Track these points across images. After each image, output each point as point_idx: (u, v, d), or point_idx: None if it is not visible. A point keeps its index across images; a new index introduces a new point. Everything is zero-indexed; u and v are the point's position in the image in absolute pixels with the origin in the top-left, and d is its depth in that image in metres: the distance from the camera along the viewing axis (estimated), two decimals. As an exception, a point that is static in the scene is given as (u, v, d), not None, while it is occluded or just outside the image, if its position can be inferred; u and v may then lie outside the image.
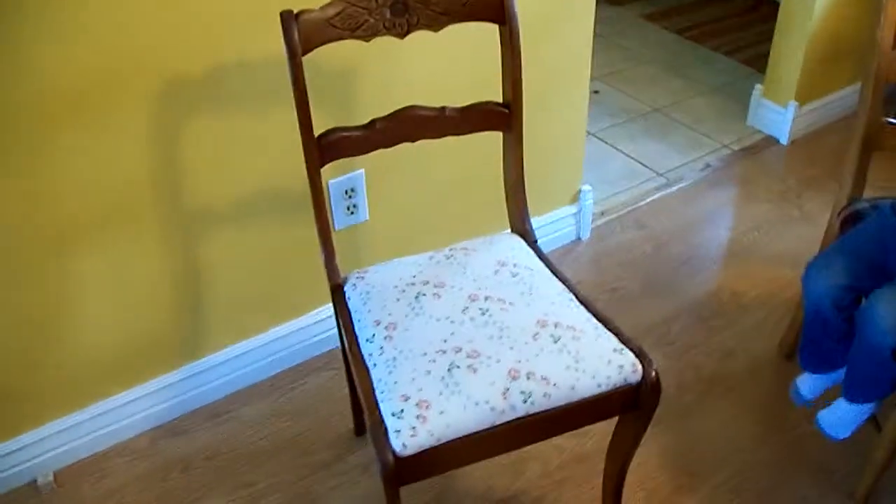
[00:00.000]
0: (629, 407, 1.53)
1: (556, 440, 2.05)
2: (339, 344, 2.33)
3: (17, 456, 1.99)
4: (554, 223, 2.64)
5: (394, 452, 1.38)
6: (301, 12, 1.53)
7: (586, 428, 2.04)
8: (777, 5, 3.16)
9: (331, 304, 2.27)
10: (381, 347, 1.54)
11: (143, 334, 2.04)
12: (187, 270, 2.03)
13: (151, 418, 2.15)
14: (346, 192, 2.13)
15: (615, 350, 1.52)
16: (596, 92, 3.60)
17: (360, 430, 2.11)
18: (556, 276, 1.70)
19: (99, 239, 1.86)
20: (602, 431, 2.05)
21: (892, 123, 1.93)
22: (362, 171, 2.13)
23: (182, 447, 2.11)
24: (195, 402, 2.21)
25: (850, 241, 1.88)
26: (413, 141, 1.72)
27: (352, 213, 2.17)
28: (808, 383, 1.97)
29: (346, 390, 2.21)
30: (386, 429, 1.41)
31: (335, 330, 2.31)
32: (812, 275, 1.83)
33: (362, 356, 1.57)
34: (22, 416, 1.98)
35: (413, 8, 1.62)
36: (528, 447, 1.60)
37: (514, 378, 1.45)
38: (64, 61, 1.63)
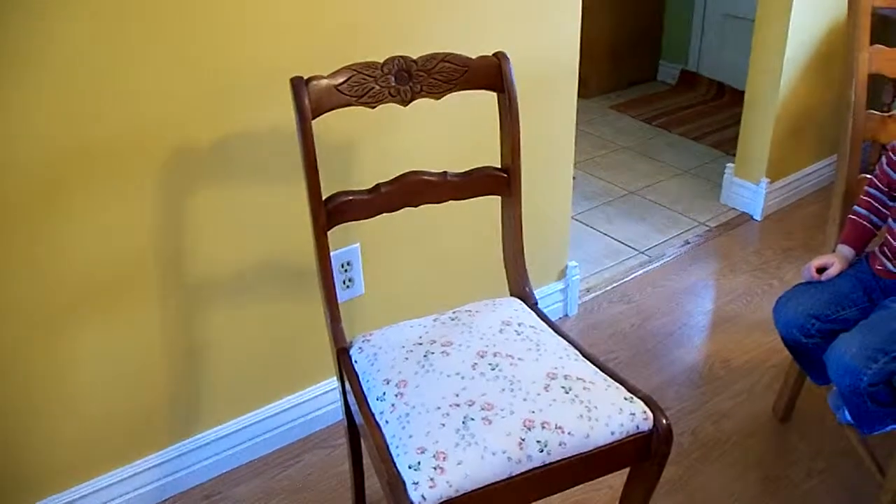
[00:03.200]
0: (642, 456, 1.54)
1: (561, 506, 2.05)
2: (334, 421, 2.34)
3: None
4: (542, 300, 2.68)
5: (412, 505, 1.38)
6: (311, 78, 1.58)
7: (591, 493, 2.07)
8: (739, 92, 3.29)
9: (324, 382, 2.30)
10: (393, 405, 1.54)
11: (132, 412, 2.01)
12: (183, 344, 2.02)
13: (140, 500, 2.10)
14: (343, 266, 2.15)
15: (626, 399, 1.54)
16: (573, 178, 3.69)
17: (360, 505, 2.09)
18: (559, 335, 1.73)
19: (94, 310, 1.85)
20: (605, 498, 2.06)
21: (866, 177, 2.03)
22: (358, 244, 2.16)
23: (174, 531, 2.08)
24: (186, 483, 2.17)
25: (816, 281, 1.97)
26: (416, 205, 1.76)
27: (348, 286, 2.19)
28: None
29: (343, 467, 2.20)
30: (404, 482, 1.40)
31: (330, 407, 2.33)
32: (780, 306, 1.96)
33: (373, 415, 1.57)
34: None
35: (416, 76, 1.68)
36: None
37: (529, 428, 1.45)
38: (69, 129, 1.66)
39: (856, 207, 2.00)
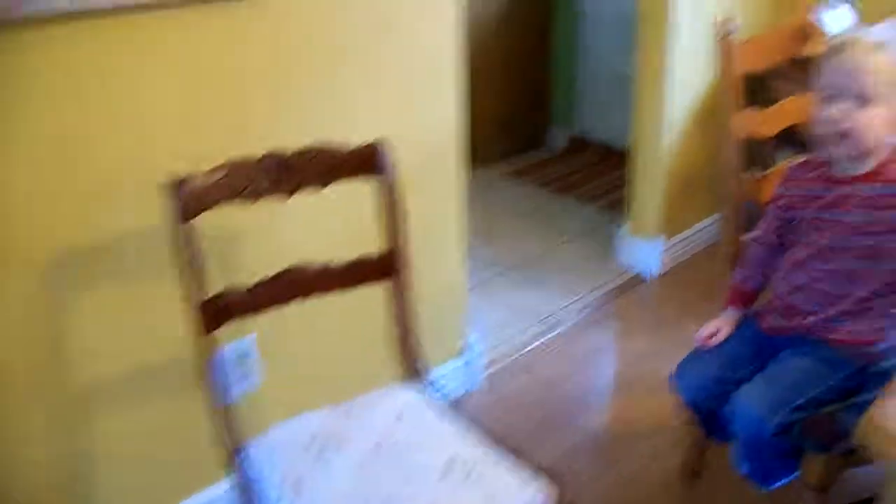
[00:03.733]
0: (548, 536, 1.53)
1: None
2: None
3: None
4: (442, 377, 2.66)
5: None
6: (186, 179, 1.55)
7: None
8: (623, 154, 3.38)
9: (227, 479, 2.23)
10: (291, 506, 1.51)
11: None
12: (73, 454, 1.94)
13: None
14: (239, 359, 2.11)
15: (526, 479, 1.53)
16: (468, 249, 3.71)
17: None
18: (456, 419, 1.72)
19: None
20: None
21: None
22: (254, 335, 2.12)
23: None
24: None
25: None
26: (302, 299, 1.74)
27: (244, 379, 2.14)
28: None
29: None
30: (304, 588, 1.36)
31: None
32: (680, 373, 1.99)
33: (271, 518, 1.53)
34: None
35: (294, 169, 1.67)
36: None
37: (429, 520, 1.44)
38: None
39: (739, 269, 2.05)
